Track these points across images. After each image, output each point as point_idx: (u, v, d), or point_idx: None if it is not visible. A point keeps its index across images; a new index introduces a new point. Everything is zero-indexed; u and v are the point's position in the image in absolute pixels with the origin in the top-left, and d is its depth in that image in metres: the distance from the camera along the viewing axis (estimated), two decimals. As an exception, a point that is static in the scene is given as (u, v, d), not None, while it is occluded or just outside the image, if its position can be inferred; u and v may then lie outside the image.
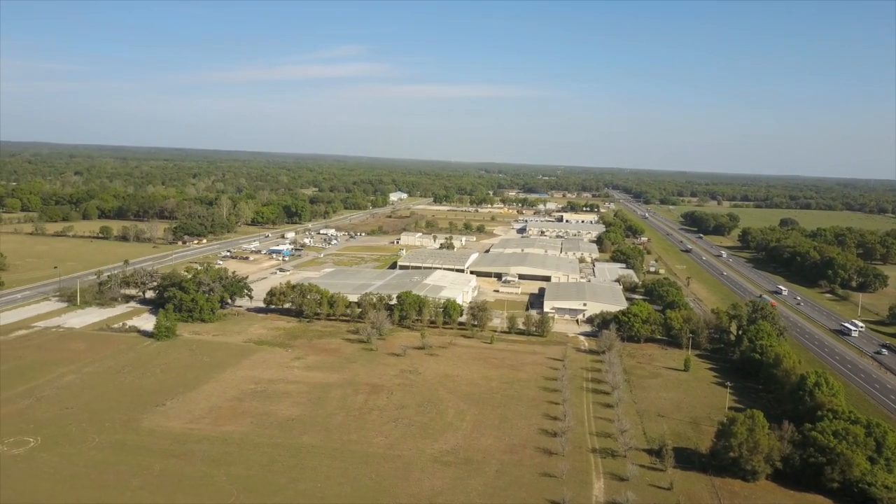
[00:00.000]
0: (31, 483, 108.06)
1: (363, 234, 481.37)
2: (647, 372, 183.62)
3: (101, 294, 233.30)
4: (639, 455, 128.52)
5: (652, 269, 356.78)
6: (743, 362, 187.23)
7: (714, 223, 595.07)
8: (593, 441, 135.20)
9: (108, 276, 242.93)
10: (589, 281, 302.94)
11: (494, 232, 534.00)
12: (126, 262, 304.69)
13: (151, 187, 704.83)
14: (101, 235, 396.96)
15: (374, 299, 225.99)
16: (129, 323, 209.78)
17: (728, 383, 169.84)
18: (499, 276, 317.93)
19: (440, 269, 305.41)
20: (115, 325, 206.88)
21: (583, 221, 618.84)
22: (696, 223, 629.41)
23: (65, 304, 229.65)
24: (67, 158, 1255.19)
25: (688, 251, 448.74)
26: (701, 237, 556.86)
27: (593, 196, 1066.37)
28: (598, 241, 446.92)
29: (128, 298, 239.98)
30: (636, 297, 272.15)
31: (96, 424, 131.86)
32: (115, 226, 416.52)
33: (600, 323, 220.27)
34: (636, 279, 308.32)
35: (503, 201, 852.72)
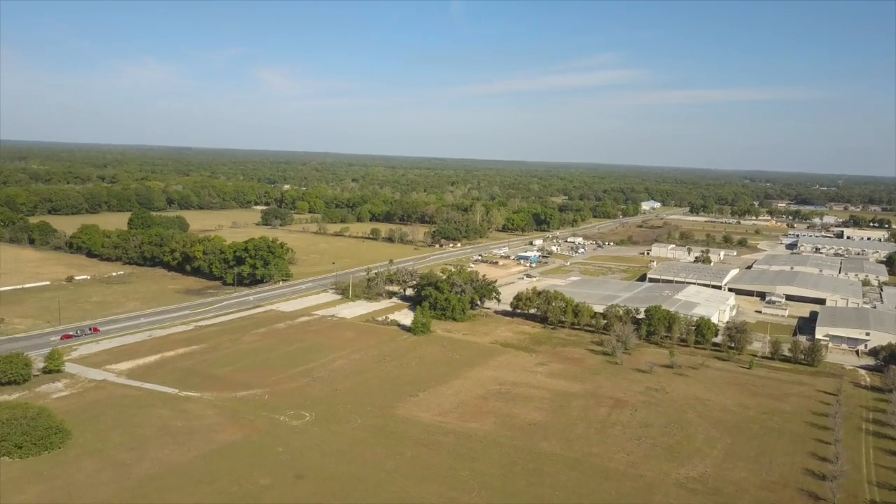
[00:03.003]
0: (305, 453, 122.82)
1: (611, 243, 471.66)
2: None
3: (368, 289, 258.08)
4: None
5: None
6: None
7: None
8: (873, 492, 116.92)
9: (376, 274, 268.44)
10: (874, 307, 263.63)
11: (758, 246, 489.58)
12: (391, 261, 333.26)
13: (415, 194, 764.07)
14: (370, 236, 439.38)
15: (621, 311, 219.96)
16: (391, 317, 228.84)
17: None
18: (762, 295, 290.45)
19: (694, 284, 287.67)
20: (379, 318, 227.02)
21: (869, 238, 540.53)
22: None
23: (339, 297, 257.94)
24: (346, 167, 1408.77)
25: None
26: None
27: (883, 210, 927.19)
28: (888, 262, 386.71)
29: (391, 294, 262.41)
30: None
31: (359, 407, 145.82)
32: (383, 228, 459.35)
33: (887, 356, 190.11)
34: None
35: (770, 213, 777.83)
